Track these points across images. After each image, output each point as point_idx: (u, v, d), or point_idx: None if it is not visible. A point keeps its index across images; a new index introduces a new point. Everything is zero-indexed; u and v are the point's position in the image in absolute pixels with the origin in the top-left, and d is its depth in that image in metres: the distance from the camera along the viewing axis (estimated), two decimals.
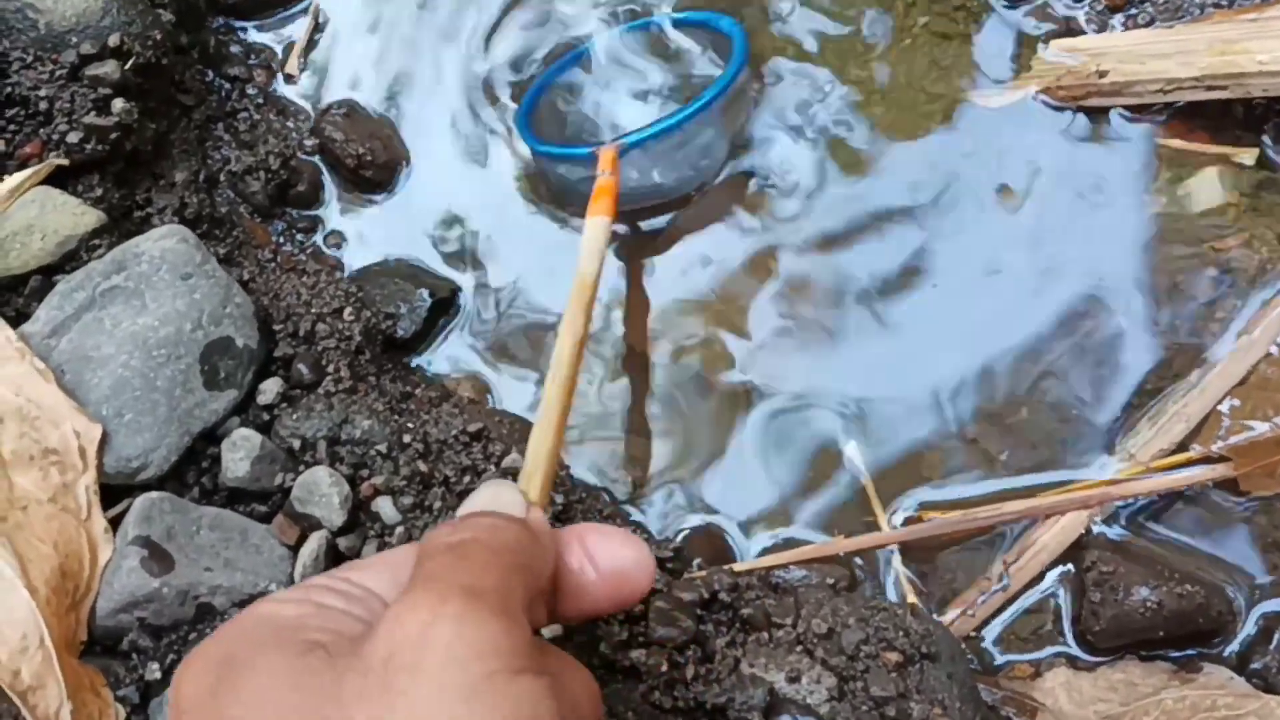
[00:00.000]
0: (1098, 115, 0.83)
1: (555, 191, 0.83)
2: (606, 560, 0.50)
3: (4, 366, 0.63)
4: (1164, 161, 0.82)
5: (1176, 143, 0.82)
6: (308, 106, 0.85)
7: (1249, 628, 0.71)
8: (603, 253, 0.67)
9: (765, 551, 0.74)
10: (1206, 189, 0.80)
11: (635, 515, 0.74)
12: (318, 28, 0.87)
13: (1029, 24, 0.86)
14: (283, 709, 0.38)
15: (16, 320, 0.67)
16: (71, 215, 0.70)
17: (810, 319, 0.79)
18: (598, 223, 0.69)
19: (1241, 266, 0.78)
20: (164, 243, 0.68)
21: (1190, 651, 0.71)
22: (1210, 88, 0.80)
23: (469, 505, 0.50)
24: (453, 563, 0.43)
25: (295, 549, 0.64)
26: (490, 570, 0.43)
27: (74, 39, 0.75)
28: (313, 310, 0.73)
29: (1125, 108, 0.82)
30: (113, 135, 0.74)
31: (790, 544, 0.74)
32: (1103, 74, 0.81)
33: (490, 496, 0.50)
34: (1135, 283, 0.79)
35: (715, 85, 0.80)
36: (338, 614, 0.44)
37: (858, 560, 0.74)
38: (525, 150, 0.83)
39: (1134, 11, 0.84)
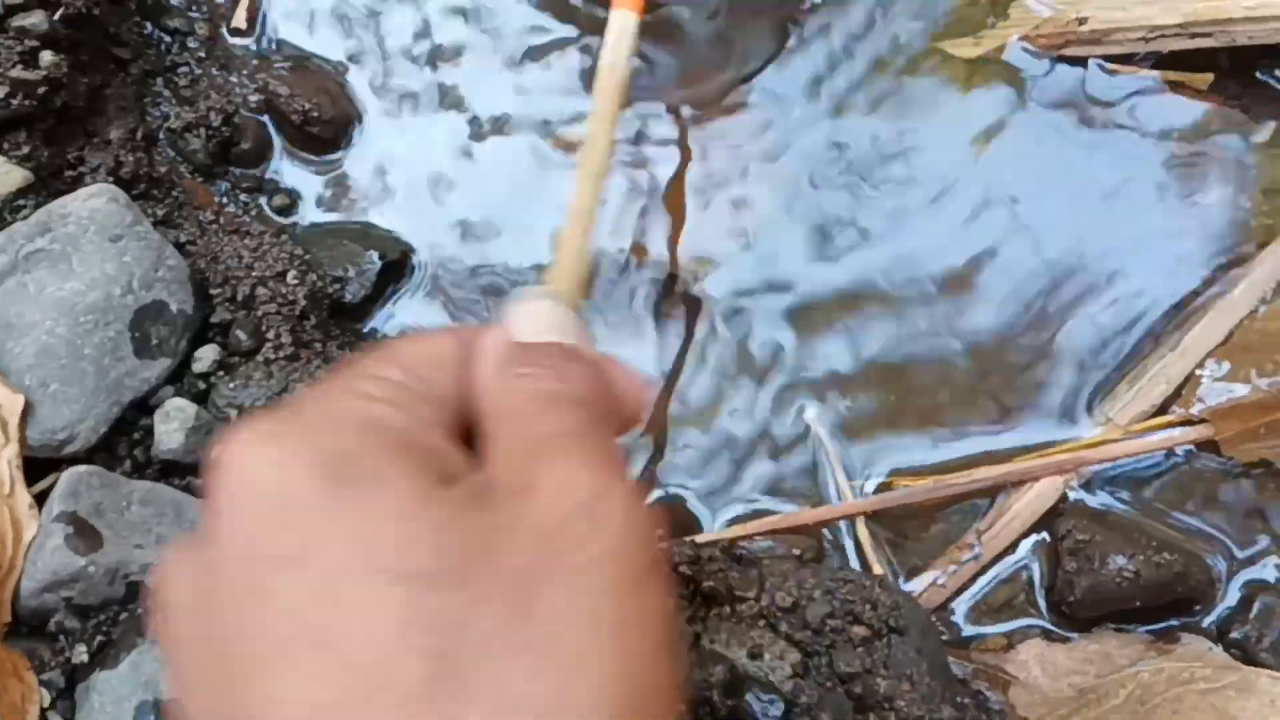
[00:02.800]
0: (1077, 64, 0.80)
1: None
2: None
3: None
4: (1143, 112, 0.79)
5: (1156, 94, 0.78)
6: (254, 60, 0.81)
7: (1229, 597, 0.69)
8: (629, 49, 0.61)
9: (732, 523, 0.71)
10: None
11: None
12: None
13: None
14: (440, 551, 0.31)
15: None
16: None
17: (778, 275, 0.76)
18: (623, 15, 0.63)
19: (1223, 223, 0.75)
20: (92, 203, 0.64)
21: (1169, 622, 0.69)
22: (1194, 35, 0.76)
23: (529, 328, 0.43)
24: (589, 426, 0.37)
25: None
26: (614, 434, 0.39)
27: None
28: (254, 274, 0.70)
29: (1105, 57, 0.79)
30: (40, 90, 0.71)
31: (757, 515, 0.71)
32: (1083, 21, 0.78)
33: (553, 321, 0.44)
34: (1113, 241, 0.76)
35: None
36: (440, 432, 0.37)
37: (826, 531, 0.71)
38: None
39: None
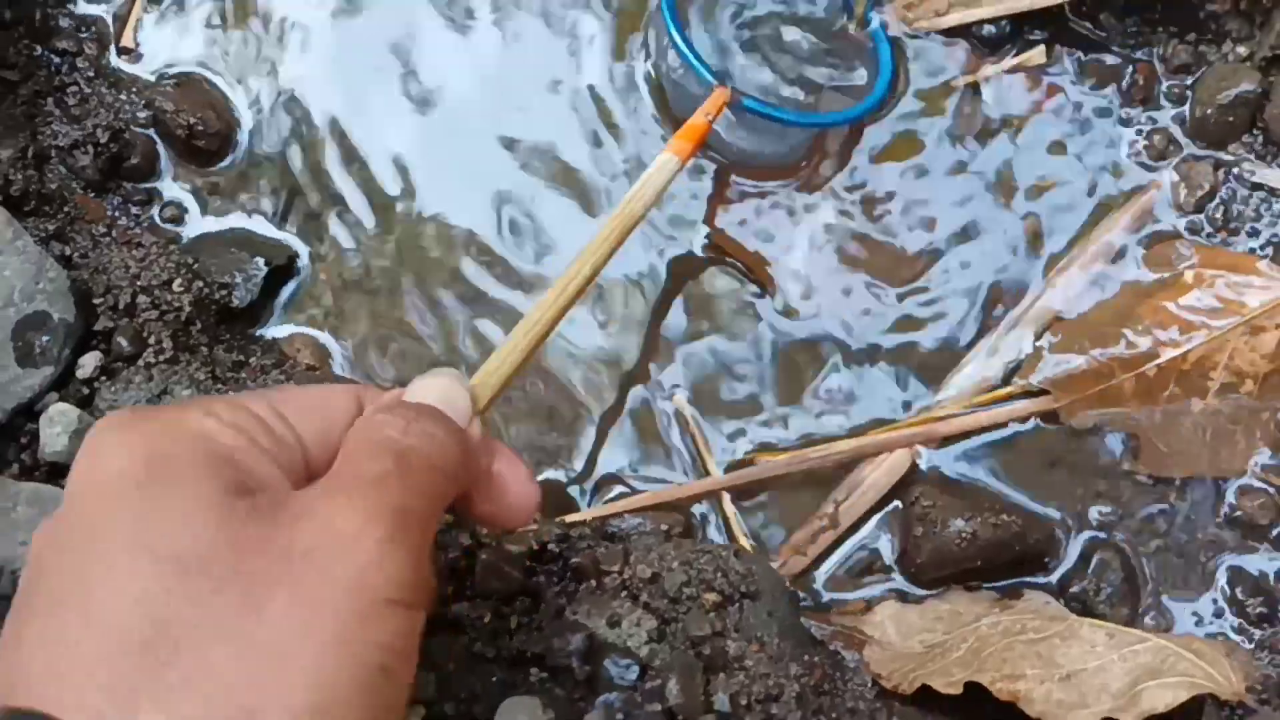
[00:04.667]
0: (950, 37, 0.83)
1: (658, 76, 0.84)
2: (516, 487, 0.52)
3: None
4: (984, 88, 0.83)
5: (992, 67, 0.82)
6: (142, 78, 0.85)
7: (1070, 555, 0.73)
8: (659, 190, 0.67)
9: (606, 501, 0.75)
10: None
11: None
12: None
13: None
14: (201, 544, 0.38)
15: None
16: None
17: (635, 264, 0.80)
18: (667, 160, 0.69)
19: (1060, 202, 0.80)
20: None
21: (1016, 580, 0.73)
22: None
23: (419, 392, 0.50)
24: (395, 474, 0.43)
25: None
26: (424, 493, 0.44)
27: None
28: (138, 283, 0.73)
29: (980, 21, 0.82)
30: None
31: (627, 494, 0.75)
32: None
33: (445, 393, 0.50)
34: (959, 218, 0.80)
35: (856, 108, 0.81)
36: (269, 460, 0.44)
37: (694, 508, 0.75)
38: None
39: None
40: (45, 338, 0.67)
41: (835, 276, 0.79)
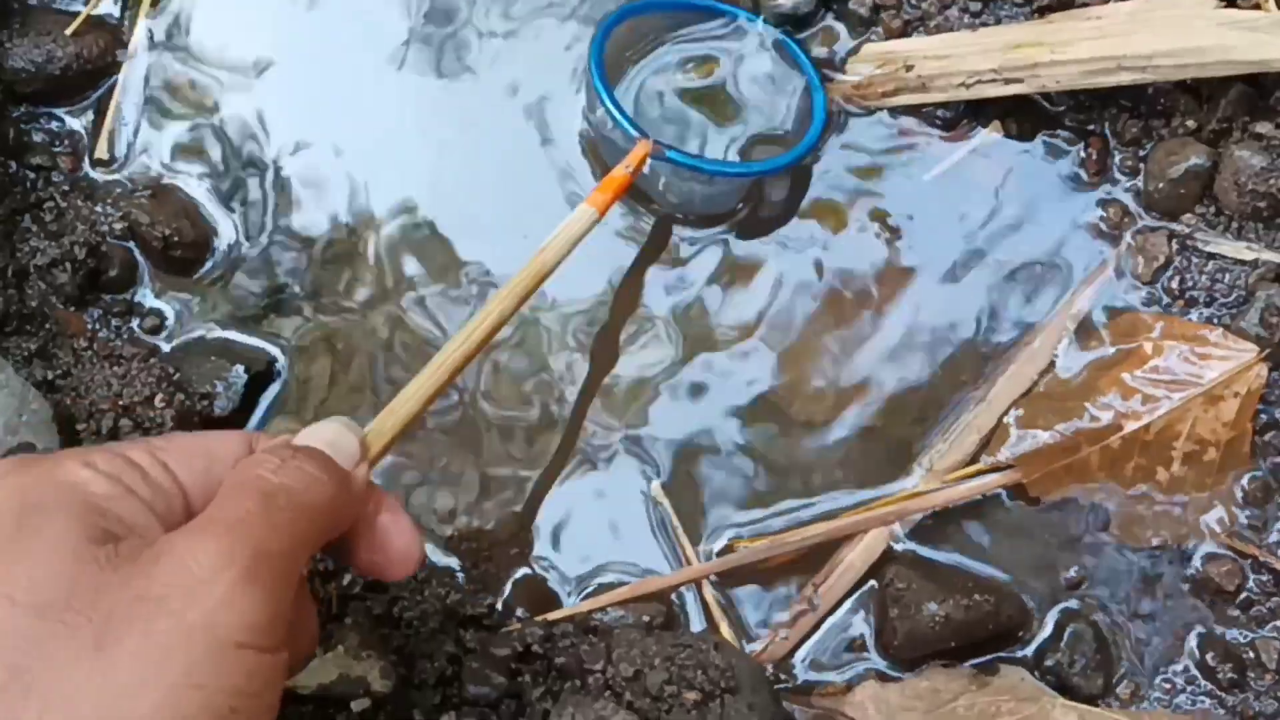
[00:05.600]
0: (899, 115, 0.85)
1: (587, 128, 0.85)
2: (399, 540, 0.54)
3: None
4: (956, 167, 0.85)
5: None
6: (116, 190, 0.86)
7: (1045, 628, 0.75)
8: (573, 241, 0.68)
9: (587, 596, 0.76)
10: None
11: (455, 571, 0.77)
12: (121, 109, 0.88)
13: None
14: (60, 589, 0.41)
15: None
16: None
17: (598, 352, 0.81)
18: (584, 212, 0.70)
19: (1019, 275, 0.82)
20: None
21: (992, 655, 0.75)
22: (1008, 80, 0.81)
23: (308, 436, 0.53)
24: (258, 514, 0.45)
25: None
26: (289, 532, 0.46)
27: None
28: (120, 402, 0.75)
29: (932, 105, 0.83)
30: None
31: (609, 587, 0.77)
32: (910, 67, 0.82)
33: (332, 437, 0.52)
34: (930, 294, 0.82)
35: (785, 157, 0.82)
36: (141, 506, 0.46)
37: (675, 597, 0.76)
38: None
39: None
40: None
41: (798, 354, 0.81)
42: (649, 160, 0.76)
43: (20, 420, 0.69)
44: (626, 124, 0.78)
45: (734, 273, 0.83)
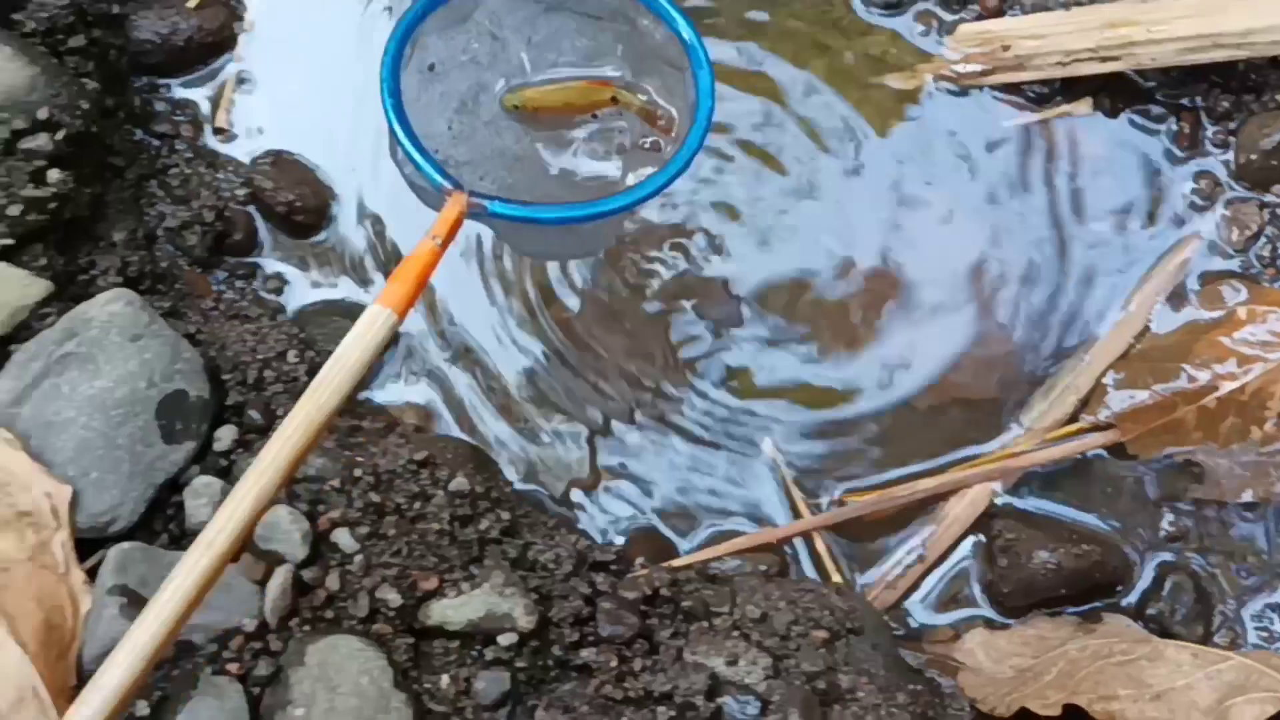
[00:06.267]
0: (1002, 91, 0.88)
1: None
2: None
3: None
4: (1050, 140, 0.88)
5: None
6: (237, 157, 0.89)
7: (1144, 579, 0.78)
8: (373, 351, 0.57)
9: (702, 546, 0.80)
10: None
11: (580, 521, 0.80)
12: (241, 80, 0.91)
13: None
14: None
15: None
16: (20, 287, 0.74)
17: (723, 315, 0.84)
18: (376, 316, 0.58)
19: (1115, 244, 0.85)
20: (111, 307, 0.72)
21: (1094, 604, 0.78)
22: (1105, 59, 0.84)
23: None
24: None
25: (262, 584, 0.69)
26: None
27: (4, 115, 0.79)
28: (259, 357, 0.78)
29: (1026, 83, 0.87)
30: (51, 205, 0.78)
31: (724, 536, 0.80)
32: (1007, 47, 0.86)
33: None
34: (1029, 262, 0.85)
35: (641, 188, 0.68)
36: None
37: (788, 547, 0.80)
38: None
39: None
40: (185, 415, 0.72)
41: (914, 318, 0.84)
42: (468, 216, 0.63)
43: (174, 368, 0.72)
44: (432, 171, 0.64)
45: None
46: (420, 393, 0.84)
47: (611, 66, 0.75)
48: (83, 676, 0.65)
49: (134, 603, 0.65)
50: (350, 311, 0.85)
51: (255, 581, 0.69)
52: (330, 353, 0.78)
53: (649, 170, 0.70)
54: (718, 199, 0.87)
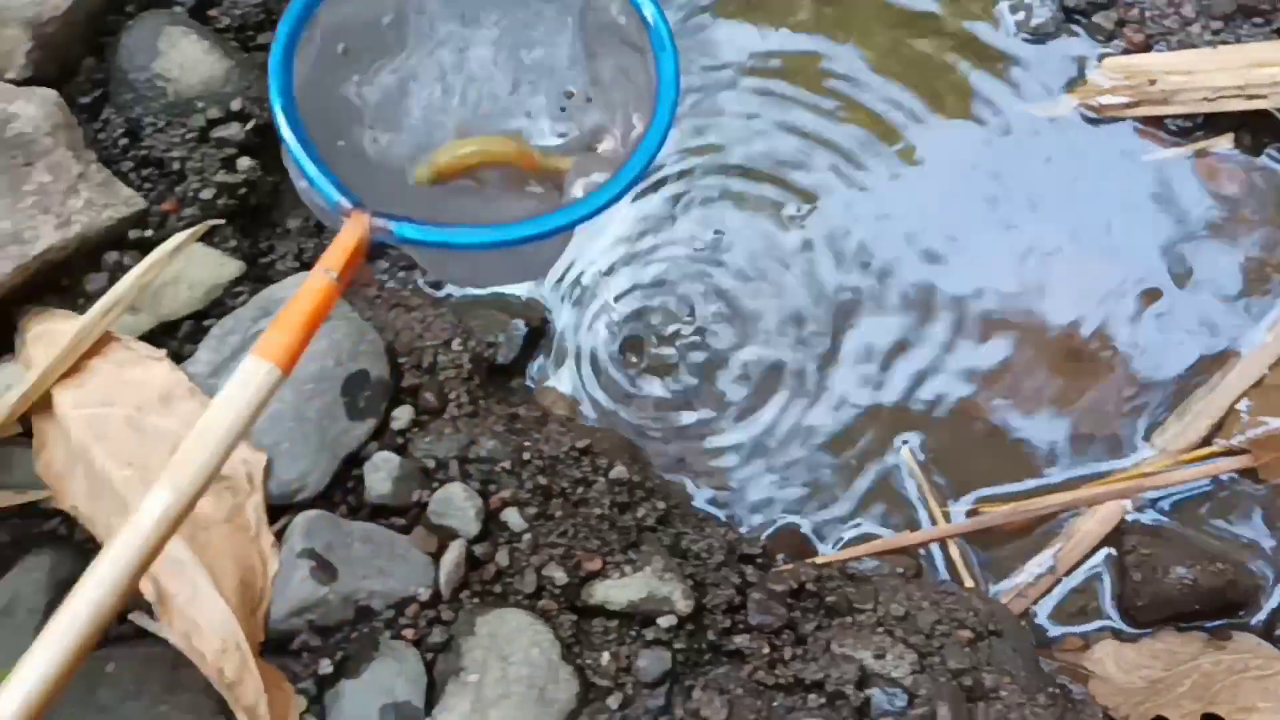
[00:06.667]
0: (1143, 124, 0.91)
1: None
2: None
3: (179, 405, 0.71)
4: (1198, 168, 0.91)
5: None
6: None
7: (1274, 599, 0.80)
8: (248, 416, 0.49)
9: (840, 546, 0.83)
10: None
11: (722, 515, 0.83)
12: None
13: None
14: None
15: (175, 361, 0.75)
16: (215, 266, 0.79)
17: (865, 328, 0.88)
18: (255, 370, 0.50)
19: (1256, 272, 0.87)
20: None
21: (1221, 622, 0.80)
22: (1251, 96, 0.87)
23: None
24: None
25: (435, 556, 0.73)
26: None
27: (200, 104, 0.84)
28: (428, 342, 0.82)
29: (1169, 117, 0.90)
30: (241, 191, 0.83)
31: (860, 539, 0.83)
32: (1153, 81, 0.89)
33: None
34: (1166, 287, 0.88)
35: (585, 203, 0.56)
36: None
37: (922, 551, 0.83)
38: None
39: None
40: (367, 393, 0.76)
41: (1051, 339, 0.87)
42: (372, 242, 0.54)
43: (359, 349, 0.76)
44: (325, 186, 0.54)
45: None
46: (567, 382, 0.87)
47: (555, 47, 0.63)
48: (268, 633, 0.69)
49: (322, 567, 0.69)
50: (506, 304, 0.89)
51: (428, 554, 0.73)
52: (488, 341, 0.84)
53: (599, 178, 0.57)
54: (857, 217, 0.91)
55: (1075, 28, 0.93)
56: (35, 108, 0.78)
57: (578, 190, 0.58)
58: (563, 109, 0.63)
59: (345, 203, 0.54)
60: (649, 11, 0.58)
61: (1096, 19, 0.92)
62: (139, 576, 0.47)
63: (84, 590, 0.47)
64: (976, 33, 0.95)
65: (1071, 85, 0.92)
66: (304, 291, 0.52)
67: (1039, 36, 0.93)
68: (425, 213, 0.57)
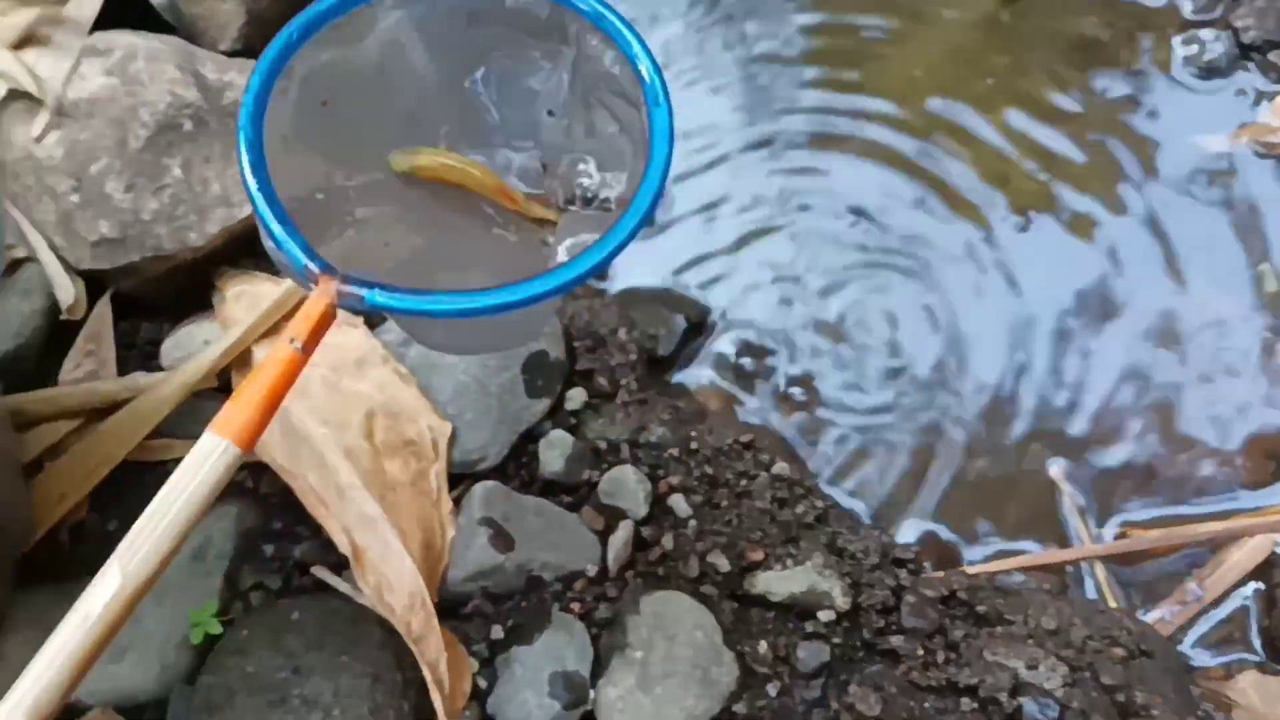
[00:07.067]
0: None
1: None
2: None
3: (372, 369, 0.74)
4: None
5: None
6: None
7: None
8: (202, 499, 0.46)
9: (986, 559, 0.84)
10: None
11: (871, 519, 0.85)
12: None
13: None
14: None
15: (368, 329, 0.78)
16: None
17: (1015, 343, 0.89)
18: (212, 449, 0.47)
19: None
20: None
21: None
22: None
23: None
24: None
25: (602, 535, 0.75)
26: None
27: None
28: (597, 330, 0.84)
29: None
30: None
31: (1004, 553, 0.84)
32: None
33: None
34: None
35: (575, 264, 0.50)
36: None
37: (1068, 569, 0.83)
38: None
39: None
40: (545, 373, 0.79)
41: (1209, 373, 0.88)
42: (340, 309, 0.49)
43: (542, 331, 0.79)
44: (294, 251, 0.50)
45: None
46: (723, 382, 0.89)
47: (550, 104, 0.59)
48: (442, 596, 0.72)
49: (500, 536, 0.72)
50: (669, 300, 0.91)
51: (595, 532, 0.75)
52: (650, 333, 0.86)
53: (588, 238, 0.53)
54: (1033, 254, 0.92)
55: (1249, 64, 0.94)
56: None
57: (563, 253, 0.53)
58: (544, 165, 0.59)
59: (313, 267, 0.49)
60: (644, 67, 0.54)
61: (1272, 56, 0.93)
62: (88, 663, 0.45)
63: (30, 674, 0.44)
64: (1145, 67, 0.96)
65: (1242, 123, 0.92)
66: (268, 363, 0.48)
67: (1210, 73, 0.94)
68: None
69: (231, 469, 0.47)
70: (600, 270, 0.51)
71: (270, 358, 0.48)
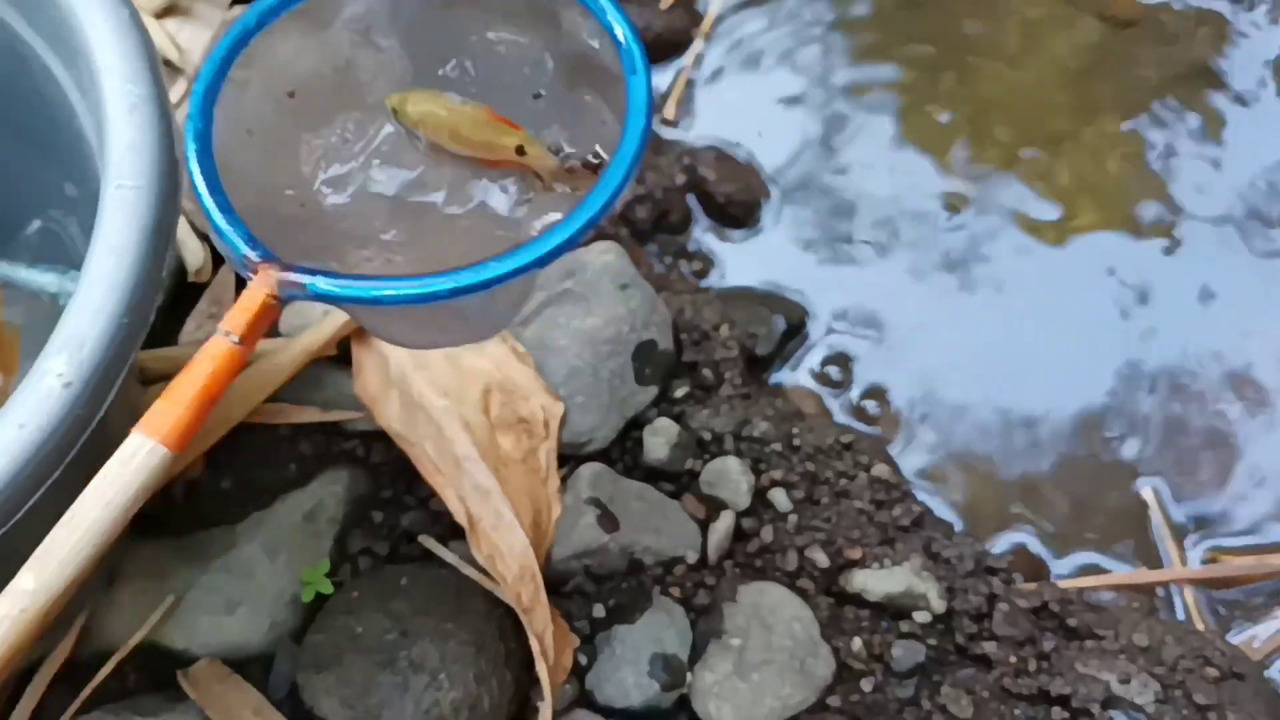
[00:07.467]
0: None
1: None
2: None
3: (491, 346, 0.76)
4: None
5: None
6: (678, 146, 0.98)
7: None
8: (126, 503, 0.43)
9: (1075, 574, 0.84)
10: None
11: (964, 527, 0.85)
12: (690, 80, 1.00)
13: None
14: None
15: None
16: None
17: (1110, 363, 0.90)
18: (138, 449, 0.43)
19: None
20: (604, 257, 0.81)
21: None
22: None
23: None
24: None
25: (703, 524, 0.76)
26: None
27: None
28: (700, 325, 0.86)
29: None
30: None
31: (1093, 569, 0.84)
32: None
33: None
34: None
35: (538, 243, 0.45)
36: None
37: (1159, 591, 0.84)
38: None
39: None
40: (653, 362, 0.80)
41: None
42: (281, 300, 0.46)
43: (651, 319, 0.81)
44: (230, 233, 0.47)
45: None
46: (816, 385, 0.90)
47: (532, 82, 0.54)
48: (546, 573, 0.73)
49: (606, 517, 0.74)
50: (769, 301, 0.93)
51: (696, 520, 0.77)
52: (750, 332, 0.87)
53: (554, 217, 0.49)
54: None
55: None
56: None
57: (535, 228, 0.50)
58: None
59: (253, 255, 0.46)
60: (621, 31, 0.50)
61: None
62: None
63: None
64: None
65: None
66: (202, 358, 0.45)
67: None
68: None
69: (160, 471, 0.43)
70: (566, 250, 0.46)
71: (204, 352, 0.45)
